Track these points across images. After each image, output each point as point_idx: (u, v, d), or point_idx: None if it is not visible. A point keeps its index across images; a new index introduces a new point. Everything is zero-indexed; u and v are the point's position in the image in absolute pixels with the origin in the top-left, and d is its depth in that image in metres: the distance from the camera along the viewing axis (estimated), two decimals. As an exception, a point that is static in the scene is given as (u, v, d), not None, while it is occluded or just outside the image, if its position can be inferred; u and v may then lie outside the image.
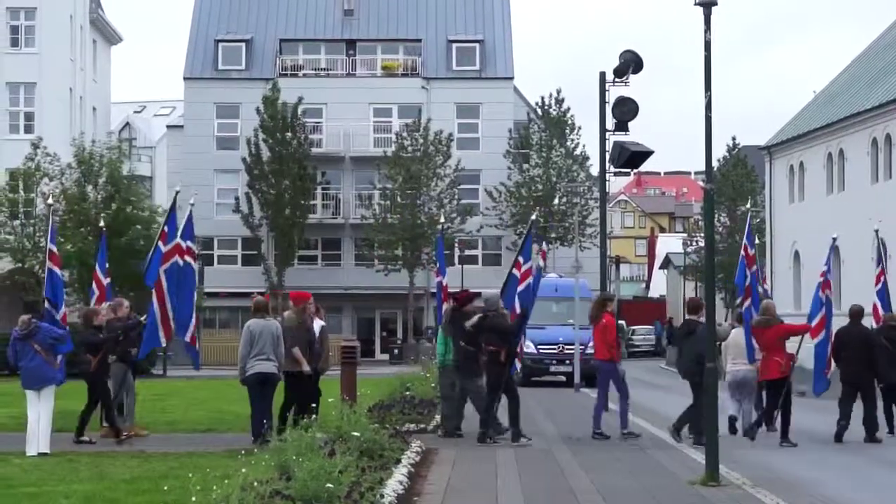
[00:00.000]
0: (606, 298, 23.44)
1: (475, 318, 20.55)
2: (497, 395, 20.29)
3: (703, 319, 18.98)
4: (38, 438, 18.10)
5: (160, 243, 20.95)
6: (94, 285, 23.09)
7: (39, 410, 18.27)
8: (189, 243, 20.80)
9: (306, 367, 19.72)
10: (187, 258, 20.68)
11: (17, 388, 19.44)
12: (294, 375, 19.55)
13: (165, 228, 21.24)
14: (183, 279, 20.62)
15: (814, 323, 21.99)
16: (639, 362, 66.38)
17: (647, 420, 24.43)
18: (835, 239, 24.73)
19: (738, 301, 23.26)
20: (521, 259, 22.62)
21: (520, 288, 22.10)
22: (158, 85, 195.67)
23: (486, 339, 20.38)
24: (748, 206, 30.13)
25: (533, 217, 27.41)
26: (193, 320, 20.82)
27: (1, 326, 55.31)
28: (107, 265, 23.48)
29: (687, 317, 21.73)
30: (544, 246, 25.88)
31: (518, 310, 21.72)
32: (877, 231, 25.06)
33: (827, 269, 22.62)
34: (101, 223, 26.59)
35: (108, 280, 22.99)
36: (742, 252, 22.18)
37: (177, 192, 22.97)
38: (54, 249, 21.47)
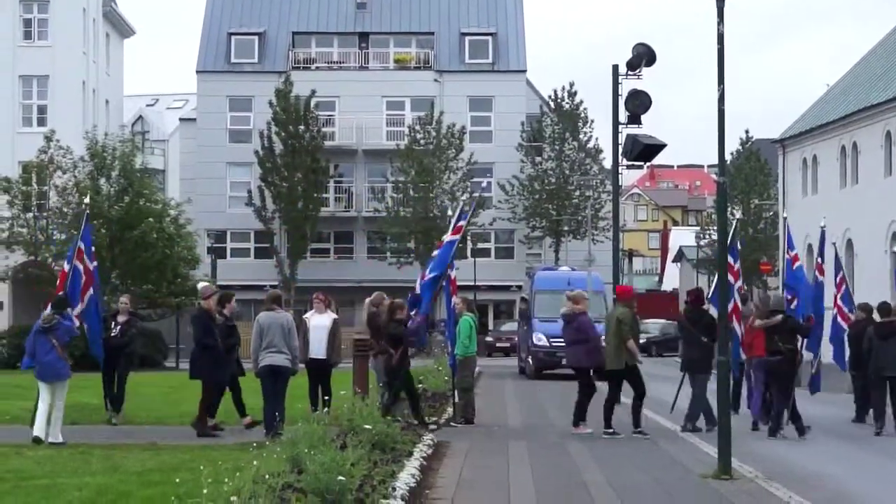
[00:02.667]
0: None
1: (778, 318, 21.19)
2: (790, 394, 20.83)
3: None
4: (52, 428, 18.41)
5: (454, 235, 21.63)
6: (80, 268, 21.61)
7: (51, 402, 18.53)
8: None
9: (640, 359, 20.80)
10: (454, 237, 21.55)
11: (31, 381, 19.52)
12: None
13: (461, 223, 21.76)
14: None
15: None
16: (652, 357, 66.29)
17: (660, 413, 24.39)
18: None
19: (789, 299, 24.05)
20: (731, 259, 22.92)
21: (737, 284, 22.70)
22: (171, 78, 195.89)
23: (782, 340, 21.00)
24: (784, 215, 31.09)
25: (737, 216, 27.96)
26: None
27: (16, 318, 55.46)
28: (92, 249, 22.14)
29: (881, 319, 22.56)
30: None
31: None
32: (824, 228, 25.93)
33: None
34: (86, 200, 25.82)
35: (95, 264, 21.76)
36: (787, 256, 23.40)
37: (475, 197, 22.89)
38: (82, 247, 21.48)
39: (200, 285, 20.58)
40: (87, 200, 25.57)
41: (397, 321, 20.54)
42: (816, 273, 25.95)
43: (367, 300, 22.02)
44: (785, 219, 30.41)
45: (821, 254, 26.70)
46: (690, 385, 21.81)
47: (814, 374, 24.15)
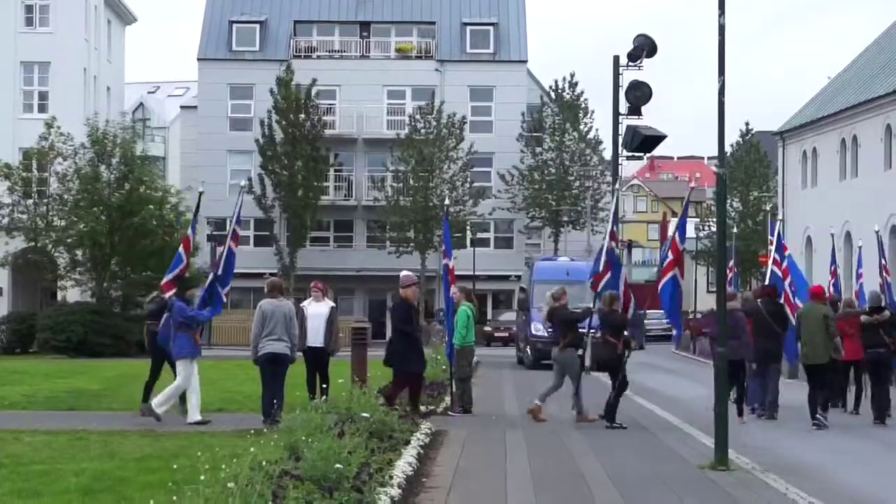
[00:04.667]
0: None
1: (886, 314, 22.35)
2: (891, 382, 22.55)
3: None
4: (189, 408, 19.46)
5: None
6: (181, 251, 21.57)
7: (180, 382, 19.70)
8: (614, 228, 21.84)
9: (842, 354, 21.36)
10: (611, 243, 21.58)
11: (29, 366, 19.59)
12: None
13: (613, 228, 21.83)
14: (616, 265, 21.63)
15: None
16: (651, 346, 66.32)
17: (657, 404, 24.44)
18: None
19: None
20: (777, 256, 24.13)
21: (786, 281, 24.12)
22: (172, 65, 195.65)
23: (886, 333, 22.25)
24: (779, 217, 31.71)
25: (779, 221, 28.73)
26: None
27: (15, 305, 55.55)
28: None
29: None
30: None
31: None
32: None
33: None
34: (201, 189, 25.28)
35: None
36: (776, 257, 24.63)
37: (615, 207, 22.48)
38: (238, 230, 21.62)
39: (403, 274, 20.62)
40: (201, 189, 25.26)
41: (614, 311, 20.63)
42: (885, 274, 26.27)
43: (548, 294, 22.01)
44: (781, 221, 30.90)
45: (882, 254, 27.07)
46: (763, 375, 22.62)
47: None
